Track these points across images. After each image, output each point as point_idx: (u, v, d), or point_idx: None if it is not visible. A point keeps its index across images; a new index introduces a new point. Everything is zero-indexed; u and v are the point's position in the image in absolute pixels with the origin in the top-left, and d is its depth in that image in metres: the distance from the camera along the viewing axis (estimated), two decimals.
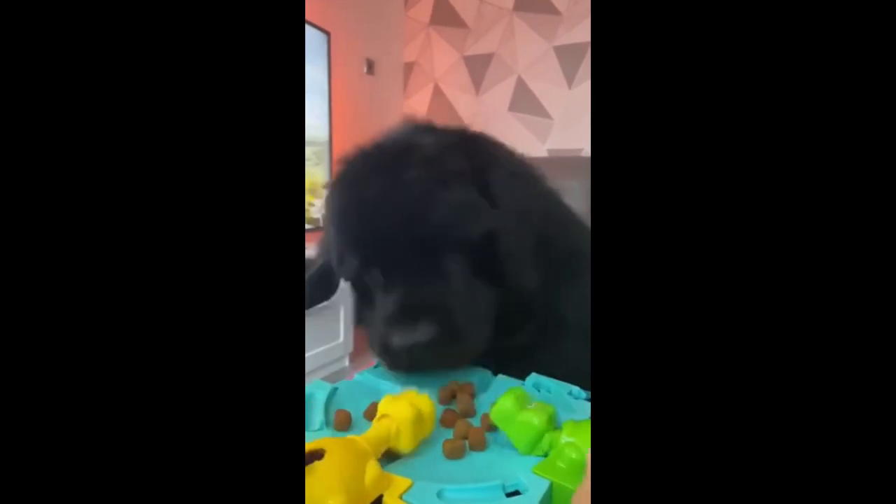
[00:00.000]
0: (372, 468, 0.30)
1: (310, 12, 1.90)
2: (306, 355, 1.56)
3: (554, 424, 0.36)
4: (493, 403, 0.37)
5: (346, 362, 1.83)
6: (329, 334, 1.76)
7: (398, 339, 0.43)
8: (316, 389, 0.44)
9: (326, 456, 0.29)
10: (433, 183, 0.45)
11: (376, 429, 0.35)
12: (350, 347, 1.84)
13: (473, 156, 0.49)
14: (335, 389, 0.45)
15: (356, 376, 0.50)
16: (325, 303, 1.92)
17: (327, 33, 1.87)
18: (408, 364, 0.45)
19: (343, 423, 0.39)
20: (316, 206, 1.87)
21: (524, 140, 2.41)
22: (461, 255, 0.46)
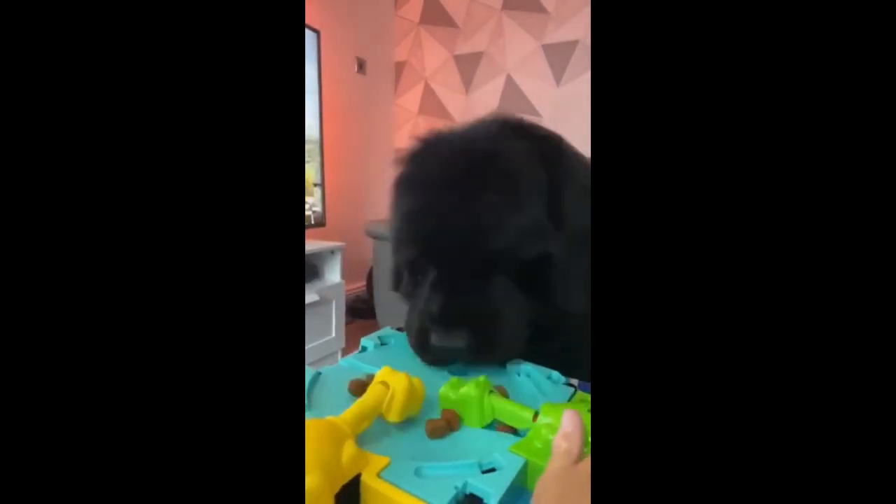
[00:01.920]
0: (349, 447, 0.31)
1: None
2: None
3: (489, 389, 0.39)
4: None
5: (339, 357, 1.85)
6: (321, 330, 1.77)
7: (435, 340, 0.46)
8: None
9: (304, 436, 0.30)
10: (507, 207, 0.46)
11: (371, 393, 0.37)
12: (342, 343, 1.85)
13: (552, 167, 0.49)
14: (318, 374, 0.46)
15: (340, 361, 0.52)
16: (317, 298, 1.91)
17: (317, 32, 1.88)
18: (438, 360, 0.48)
19: (359, 390, 0.42)
20: (308, 203, 1.88)
21: None
22: (512, 270, 0.48)
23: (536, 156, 0.48)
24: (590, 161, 0.51)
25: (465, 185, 0.46)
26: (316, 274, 1.82)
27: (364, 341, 0.56)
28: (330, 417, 0.34)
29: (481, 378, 0.40)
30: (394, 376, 0.38)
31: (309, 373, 0.46)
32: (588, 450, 0.31)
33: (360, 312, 2.18)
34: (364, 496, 0.32)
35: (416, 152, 0.53)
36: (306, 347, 1.66)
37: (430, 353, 0.48)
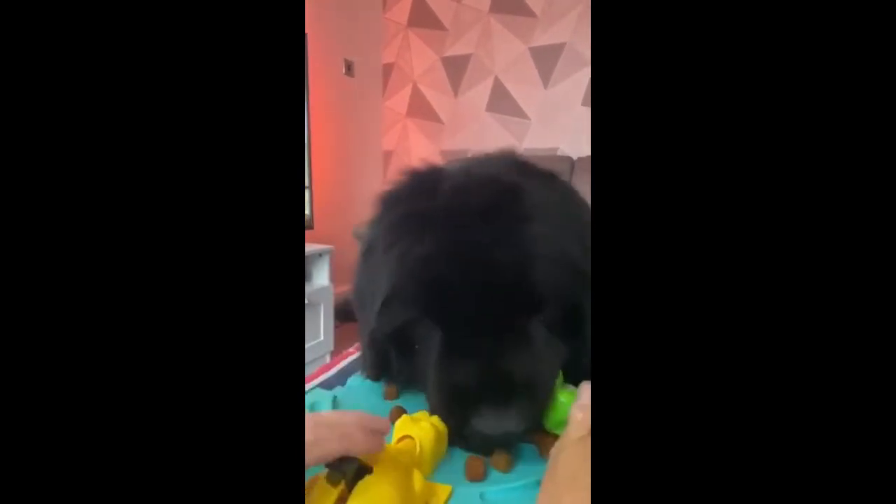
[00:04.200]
0: (418, 478, 0.30)
1: None
2: None
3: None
4: None
5: (328, 360, 1.84)
6: (310, 333, 1.76)
7: (489, 426, 0.34)
8: (319, 398, 0.46)
9: (377, 470, 0.28)
10: (555, 238, 0.38)
11: (405, 445, 0.34)
12: (331, 346, 1.84)
13: (568, 202, 0.43)
14: (335, 399, 0.46)
15: (349, 381, 0.51)
16: (306, 301, 1.91)
17: (304, 34, 1.88)
18: (491, 448, 0.36)
19: (396, 417, 0.38)
20: None
21: (502, 140, 2.44)
22: (549, 321, 0.38)
23: (558, 197, 0.42)
24: (580, 196, 0.47)
25: (501, 217, 0.37)
26: (305, 277, 1.81)
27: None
28: (392, 447, 0.33)
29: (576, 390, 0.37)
30: (417, 426, 0.34)
31: (327, 396, 0.46)
32: None
33: (349, 315, 2.17)
34: None
35: (412, 186, 0.42)
36: None
37: (473, 441, 0.36)
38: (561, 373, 0.39)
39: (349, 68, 2.50)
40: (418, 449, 0.34)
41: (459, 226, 0.37)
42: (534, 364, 0.36)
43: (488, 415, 0.34)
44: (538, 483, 0.32)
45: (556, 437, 0.34)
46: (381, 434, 0.30)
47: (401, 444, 0.34)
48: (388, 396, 0.47)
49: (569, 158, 2.16)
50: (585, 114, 2.27)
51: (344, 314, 2.16)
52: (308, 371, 0.55)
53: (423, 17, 2.62)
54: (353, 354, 0.62)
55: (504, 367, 0.35)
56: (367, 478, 0.28)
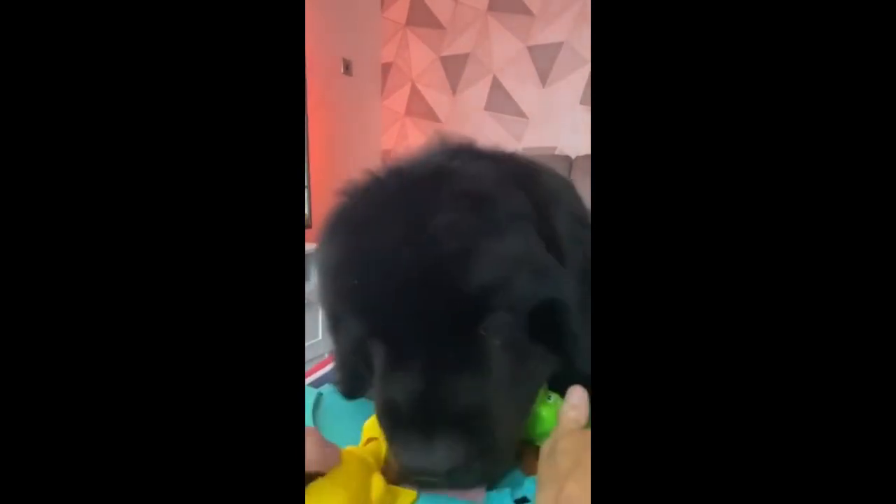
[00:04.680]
0: (377, 483, 0.29)
1: None
2: None
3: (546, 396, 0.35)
4: None
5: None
6: (307, 333, 1.77)
7: (407, 459, 0.29)
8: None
9: (332, 474, 0.27)
10: (478, 230, 0.31)
11: (369, 450, 0.33)
12: (329, 345, 1.84)
13: (533, 190, 0.35)
14: (320, 395, 0.45)
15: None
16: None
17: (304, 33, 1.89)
18: (420, 485, 0.32)
19: None
20: None
21: (501, 139, 2.45)
22: (506, 326, 0.32)
23: (509, 178, 0.35)
24: (571, 182, 0.42)
25: (412, 210, 0.32)
26: None
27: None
28: (352, 448, 0.32)
29: (562, 401, 0.34)
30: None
31: (311, 393, 0.45)
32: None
33: None
34: None
35: (339, 208, 0.38)
36: None
37: (405, 474, 0.31)
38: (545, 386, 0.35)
39: (347, 67, 2.50)
40: (384, 451, 0.32)
41: (370, 225, 0.32)
42: (479, 385, 0.30)
43: (411, 445, 0.29)
44: (508, 495, 0.31)
45: (538, 450, 0.32)
46: (335, 448, 0.28)
47: (368, 446, 0.33)
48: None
49: (567, 157, 2.16)
50: (584, 112, 2.28)
51: None
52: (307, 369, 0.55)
53: (421, 16, 2.62)
54: None
55: (437, 388, 0.29)
56: (320, 481, 0.26)
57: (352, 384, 0.41)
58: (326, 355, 0.65)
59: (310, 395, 0.46)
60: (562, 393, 0.34)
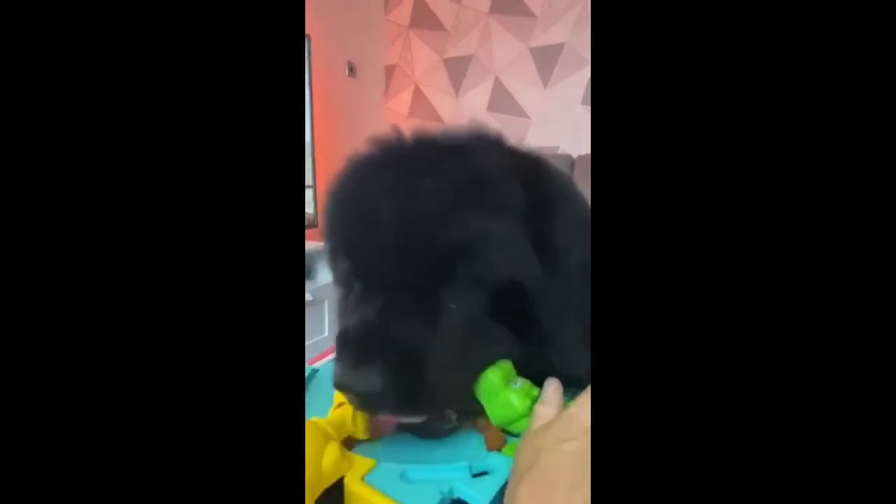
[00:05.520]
0: (331, 450, 0.30)
1: None
2: None
3: (511, 378, 0.35)
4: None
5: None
6: (314, 329, 1.79)
7: (338, 377, 0.32)
8: None
9: None
10: (464, 198, 0.34)
11: (334, 416, 0.35)
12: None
13: (538, 187, 0.37)
14: (315, 371, 0.47)
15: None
16: (310, 298, 1.90)
17: (307, 37, 1.92)
18: (360, 405, 0.34)
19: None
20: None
21: None
22: (469, 293, 0.35)
23: (515, 173, 0.37)
24: (589, 199, 0.39)
25: (403, 166, 0.35)
26: (309, 274, 1.84)
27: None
28: (314, 419, 0.34)
29: (536, 391, 0.35)
30: None
31: (307, 369, 0.46)
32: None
33: None
34: (347, 501, 0.31)
35: (357, 159, 0.41)
36: None
37: (346, 393, 0.33)
38: (508, 363, 0.36)
39: (352, 70, 2.53)
40: (349, 415, 0.35)
41: (364, 175, 0.37)
42: (422, 333, 0.33)
43: (344, 364, 0.32)
44: (466, 468, 0.32)
45: (502, 431, 0.35)
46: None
47: (331, 415, 0.35)
48: None
49: (568, 157, 2.19)
50: (585, 113, 2.29)
51: None
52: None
53: (424, 19, 2.65)
54: None
55: (386, 323, 0.32)
56: None
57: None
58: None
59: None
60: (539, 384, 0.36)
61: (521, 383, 0.35)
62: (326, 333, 1.84)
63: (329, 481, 0.30)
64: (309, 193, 1.97)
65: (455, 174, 0.34)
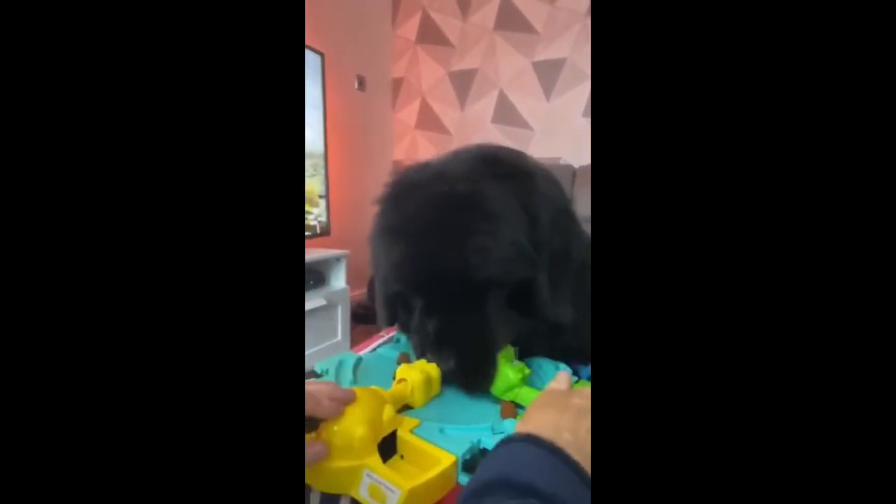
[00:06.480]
0: (388, 410, 0.41)
1: (306, 36, 2.02)
2: (307, 352, 1.65)
3: (525, 382, 0.47)
4: None
5: None
6: (328, 333, 1.86)
7: (430, 361, 0.49)
8: (347, 357, 0.57)
9: (356, 400, 0.39)
10: (492, 245, 0.47)
11: (396, 389, 0.46)
12: (348, 345, 1.94)
13: (528, 201, 0.51)
14: (360, 359, 0.57)
15: (378, 350, 0.62)
16: (324, 302, 1.98)
17: (321, 54, 2.01)
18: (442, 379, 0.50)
19: (405, 360, 0.53)
20: (313, 214, 1.99)
21: None
22: (501, 294, 0.50)
23: (513, 196, 0.50)
24: (558, 181, 0.58)
25: (450, 231, 0.48)
26: (322, 280, 1.91)
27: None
28: (374, 387, 0.44)
29: (528, 370, 0.48)
30: (410, 371, 0.47)
31: (353, 356, 0.57)
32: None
33: (362, 318, 2.27)
34: (400, 447, 0.41)
35: (393, 197, 0.53)
36: (314, 350, 1.76)
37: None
38: (511, 349, 0.50)
39: (361, 83, 2.63)
40: (409, 389, 0.45)
41: (421, 237, 0.49)
42: (470, 327, 0.48)
43: (434, 353, 0.49)
44: (489, 428, 0.41)
45: (511, 403, 0.46)
46: (343, 402, 0.39)
47: (398, 385, 0.46)
48: (400, 363, 0.56)
49: (570, 167, 2.27)
50: (586, 125, 2.39)
51: (358, 317, 2.26)
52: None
53: (431, 34, 2.76)
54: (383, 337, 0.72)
55: (454, 321, 0.48)
56: (349, 407, 0.38)
57: (388, 320, 0.61)
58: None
59: (349, 357, 0.57)
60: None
61: (517, 363, 0.48)
62: (339, 338, 1.91)
63: (387, 431, 0.39)
64: (323, 203, 2.04)
65: (481, 228, 0.47)
